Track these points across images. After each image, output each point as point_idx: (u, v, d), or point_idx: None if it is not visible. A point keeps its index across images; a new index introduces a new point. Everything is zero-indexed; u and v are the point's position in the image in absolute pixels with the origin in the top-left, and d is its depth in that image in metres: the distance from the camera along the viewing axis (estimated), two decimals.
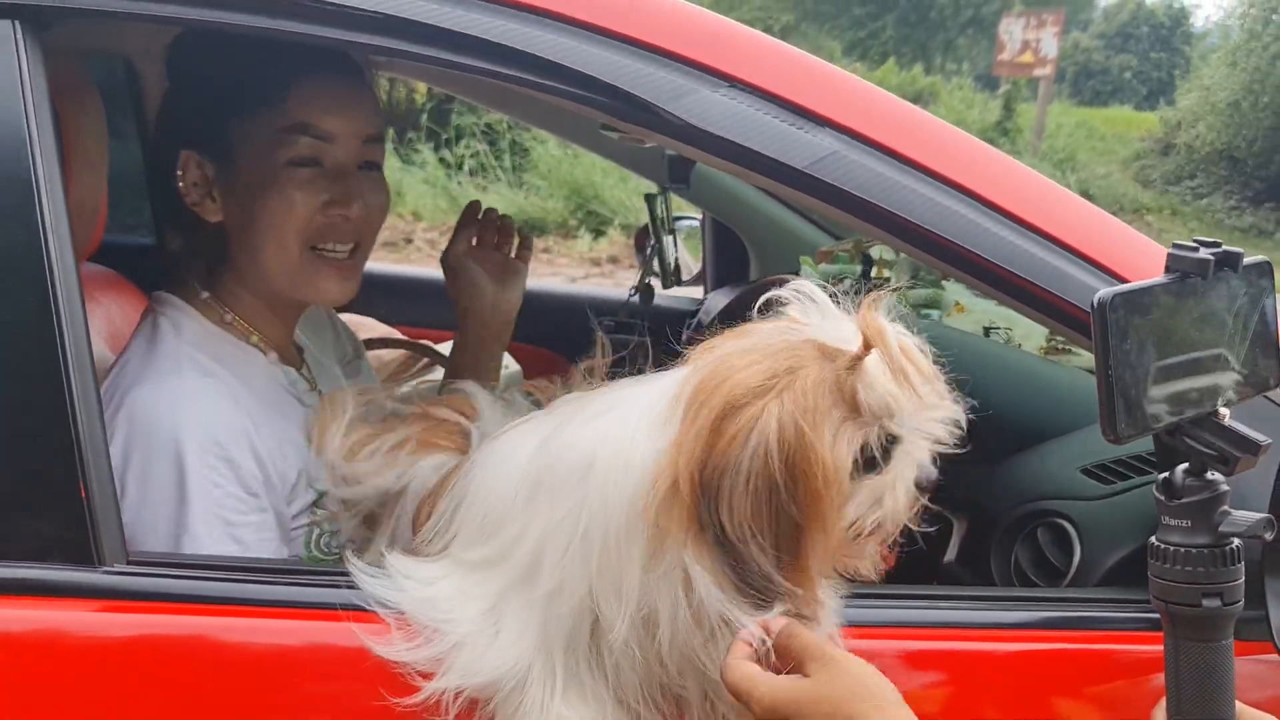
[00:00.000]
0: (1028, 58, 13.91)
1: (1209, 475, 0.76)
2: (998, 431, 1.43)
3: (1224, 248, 0.75)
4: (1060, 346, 1.81)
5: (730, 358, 0.89)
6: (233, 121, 1.26)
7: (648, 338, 2.74)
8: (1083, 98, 25.28)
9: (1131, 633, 1.09)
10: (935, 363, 0.91)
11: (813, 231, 2.51)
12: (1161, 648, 1.08)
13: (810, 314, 0.91)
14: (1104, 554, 1.22)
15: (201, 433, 1.17)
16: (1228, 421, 0.75)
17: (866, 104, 1.14)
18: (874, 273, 2.22)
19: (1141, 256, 1.14)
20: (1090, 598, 1.18)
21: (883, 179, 1.08)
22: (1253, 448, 0.74)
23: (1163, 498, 0.77)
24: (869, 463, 0.88)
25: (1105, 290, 0.71)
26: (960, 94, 16.39)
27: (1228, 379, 0.77)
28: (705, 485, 0.85)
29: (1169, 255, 0.75)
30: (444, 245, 1.53)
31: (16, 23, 0.98)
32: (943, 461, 1.54)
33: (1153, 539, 0.78)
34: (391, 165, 9.60)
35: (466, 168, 10.16)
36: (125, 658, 0.98)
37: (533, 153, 10.10)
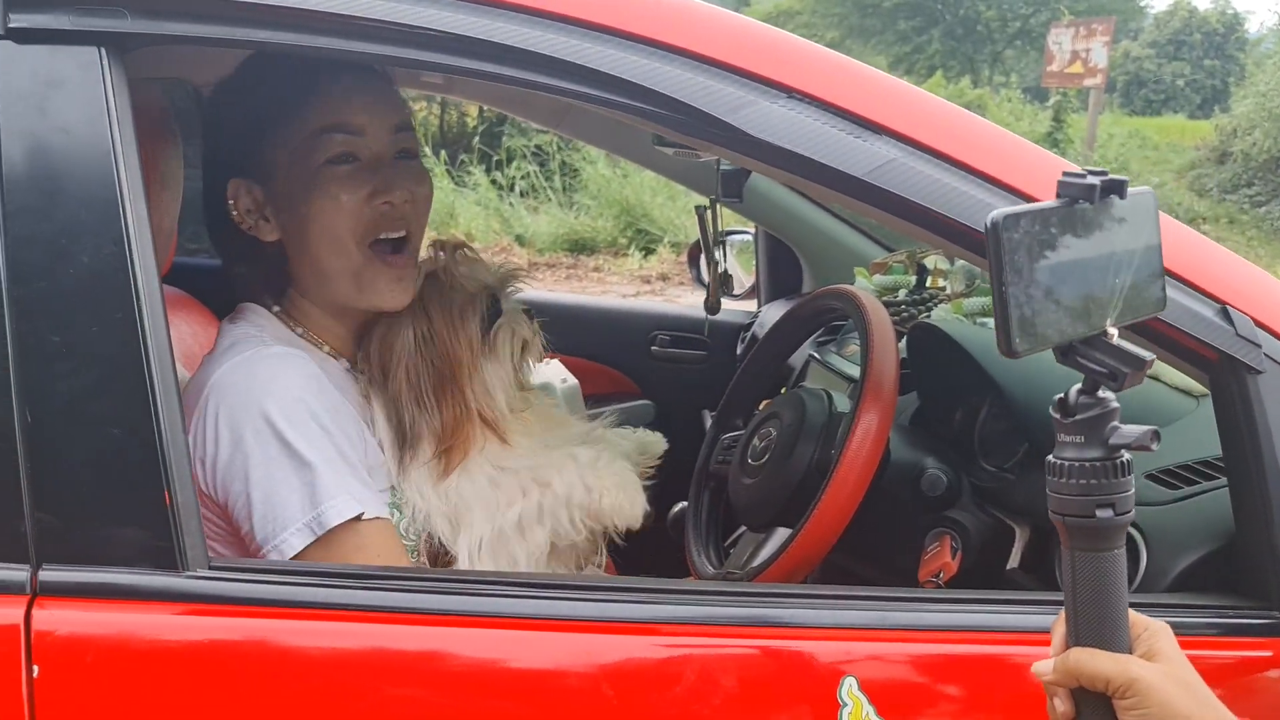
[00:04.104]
0: (1077, 68, 13.74)
1: (1100, 393, 0.80)
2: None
3: (1110, 175, 0.79)
4: None
5: None
6: (268, 140, 1.33)
7: (705, 351, 2.76)
8: (1134, 107, 24.94)
9: (1202, 638, 1.08)
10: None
11: (865, 243, 2.51)
12: (1238, 654, 1.08)
13: None
14: (1172, 560, 1.21)
15: (292, 397, 1.22)
16: (1116, 340, 0.79)
17: (922, 111, 1.14)
18: (929, 282, 2.21)
19: (1209, 260, 1.13)
20: (1158, 603, 1.17)
21: (941, 185, 1.08)
22: (1139, 363, 0.77)
23: (1058, 416, 0.82)
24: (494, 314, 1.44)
25: (997, 211, 0.73)
26: (1009, 106, 16.24)
27: (1116, 301, 0.80)
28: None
29: (1059, 182, 0.78)
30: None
31: (102, 49, 1.03)
32: (1005, 470, 1.53)
33: (1050, 457, 0.82)
34: (445, 187, 9.78)
35: (518, 189, 10.26)
36: (207, 660, 1.01)
37: (582, 173, 10.19)
